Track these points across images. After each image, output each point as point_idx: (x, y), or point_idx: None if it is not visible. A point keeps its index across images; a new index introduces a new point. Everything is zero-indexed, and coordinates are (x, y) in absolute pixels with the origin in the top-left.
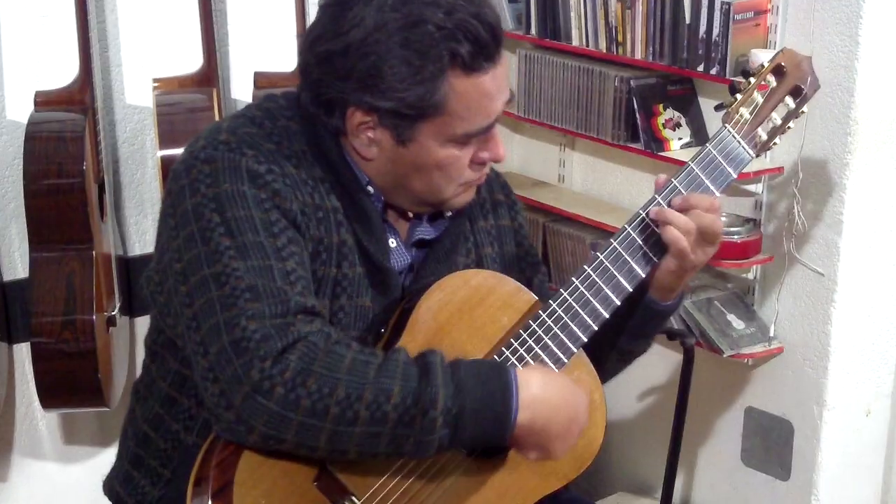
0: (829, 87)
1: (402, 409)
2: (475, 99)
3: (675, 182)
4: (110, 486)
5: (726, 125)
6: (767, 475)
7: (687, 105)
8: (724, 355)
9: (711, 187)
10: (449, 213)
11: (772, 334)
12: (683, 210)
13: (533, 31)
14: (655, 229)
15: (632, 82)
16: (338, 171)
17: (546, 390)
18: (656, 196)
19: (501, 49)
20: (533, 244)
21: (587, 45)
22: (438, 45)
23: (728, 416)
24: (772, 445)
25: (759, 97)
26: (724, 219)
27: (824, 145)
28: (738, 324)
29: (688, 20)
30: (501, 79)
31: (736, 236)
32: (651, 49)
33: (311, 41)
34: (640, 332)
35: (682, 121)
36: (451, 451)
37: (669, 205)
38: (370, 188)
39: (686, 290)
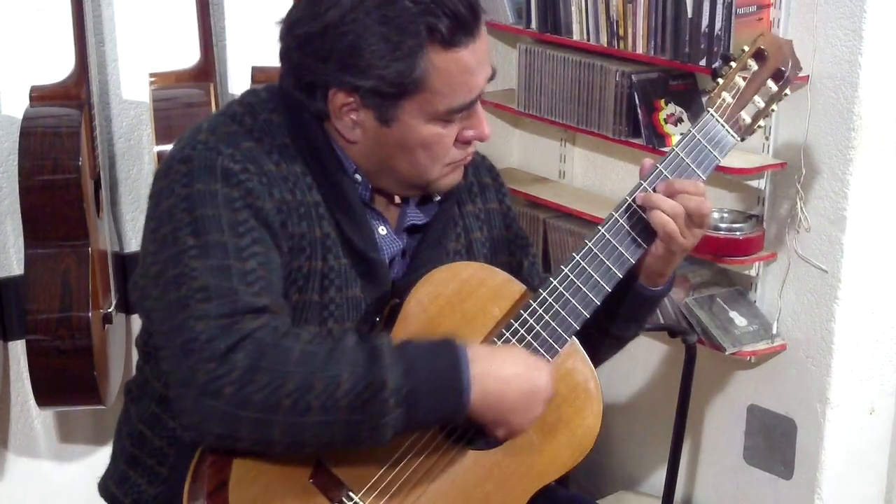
0: (833, 81)
1: (353, 395)
2: (456, 74)
3: (660, 167)
4: (105, 487)
5: (709, 109)
6: (770, 474)
7: (689, 100)
8: (727, 353)
9: (697, 172)
10: (438, 198)
11: (774, 331)
12: (669, 195)
13: (533, 25)
14: (643, 215)
15: (633, 77)
16: (322, 161)
17: (495, 363)
18: (642, 182)
19: (481, 23)
20: (522, 227)
21: (588, 40)
22: (416, 20)
23: (730, 413)
24: (775, 444)
25: (740, 81)
26: (725, 214)
27: (827, 140)
28: (740, 321)
29: (690, 14)
30: (482, 53)
31: (738, 232)
32: (652, 43)
33: (290, 25)
34: (631, 318)
35: (684, 116)
36: (412, 433)
37: (655, 190)
38: (358, 176)
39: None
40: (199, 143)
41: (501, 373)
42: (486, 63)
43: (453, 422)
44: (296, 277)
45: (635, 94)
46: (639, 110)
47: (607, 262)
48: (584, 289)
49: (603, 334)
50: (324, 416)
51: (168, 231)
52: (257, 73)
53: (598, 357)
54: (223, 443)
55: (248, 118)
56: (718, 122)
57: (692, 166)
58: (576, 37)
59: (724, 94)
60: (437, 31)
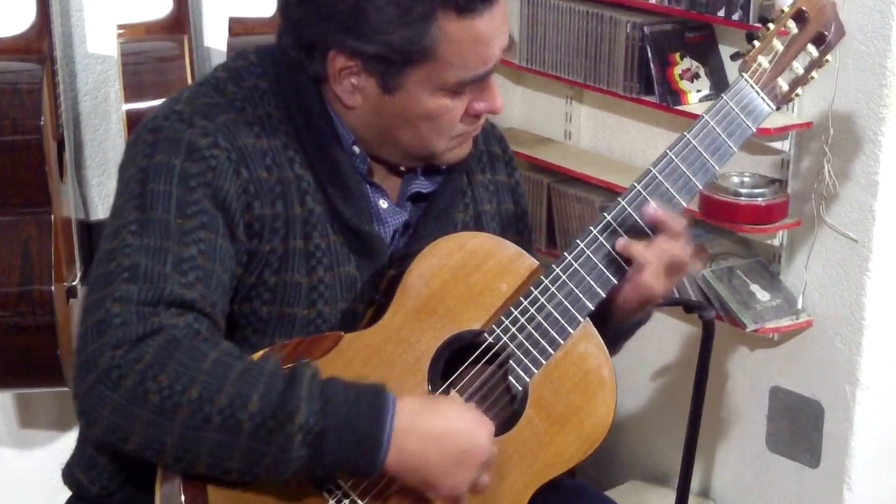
0: (863, 34)
1: (258, 420)
2: (468, 44)
3: (688, 136)
4: (70, 474)
5: (743, 75)
6: (795, 462)
7: (706, 54)
8: (748, 330)
9: (728, 142)
10: (444, 167)
11: (800, 306)
12: (653, 222)
13: None
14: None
15: (645, 29)
16: (316, 131)
17: (425, 419)
18: (667, 151)
19: None
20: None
21: None
22: None
23: (751, 396)
24: (800, 429)
25: (779, 45)
26: (746, 179)
27: (857, 98)
28: (762, 295)
29: None
30: (499, 22)
31: (760, 198)
32: None
33: None
34: (612, 342)
35: (701, 71)
36: (315, 477)
37: (640, 217)
38: (356, 148)
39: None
40: (174, 114)
41: (429, 430)
42: (502, 32)
43: (366, 477)
44: (269, 260)
45: (648, 47)
46: (651, 65)
47: (626, 238)
48: (601, 265)
49: None
50: (223, 434)
51: (120, 203)
52: (235, 25)
53: None
54: (111, 437)
55: (230, 85)
56: (753, 88)
57: (722, 136)
58: None
59: (761, 59)
60: None
